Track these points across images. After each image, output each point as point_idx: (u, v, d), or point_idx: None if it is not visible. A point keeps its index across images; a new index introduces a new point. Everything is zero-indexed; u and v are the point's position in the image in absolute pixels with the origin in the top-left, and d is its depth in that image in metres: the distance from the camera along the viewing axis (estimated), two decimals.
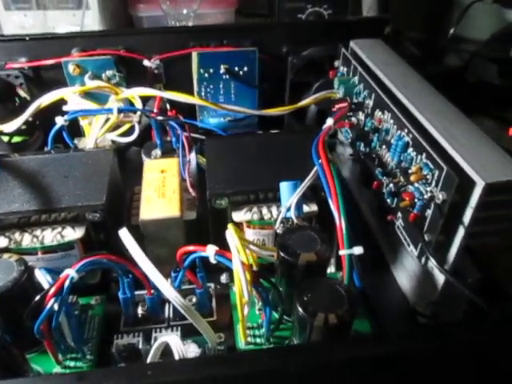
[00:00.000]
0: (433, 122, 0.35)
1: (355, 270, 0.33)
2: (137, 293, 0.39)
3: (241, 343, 0.36)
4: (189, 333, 0.36)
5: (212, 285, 0.42)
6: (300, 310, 0.30)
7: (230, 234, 0.33)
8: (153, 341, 0.34)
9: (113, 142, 0.52)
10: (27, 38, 0.52)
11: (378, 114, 0.42)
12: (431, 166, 0.33)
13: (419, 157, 0.35)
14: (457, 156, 0.32)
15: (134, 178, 0.51)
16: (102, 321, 0.38)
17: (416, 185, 0.35)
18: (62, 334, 0.34)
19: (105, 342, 0.37)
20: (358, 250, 0.33)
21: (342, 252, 0.33)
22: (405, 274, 0.42)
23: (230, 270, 0.42)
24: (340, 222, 0.33)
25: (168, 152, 0.50)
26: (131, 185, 0.49)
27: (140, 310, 0.39)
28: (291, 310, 0.36)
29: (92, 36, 0.54)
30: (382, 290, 0.44)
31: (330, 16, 0.75)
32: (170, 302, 0.40)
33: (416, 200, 0.35)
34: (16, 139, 0.59)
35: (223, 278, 0.43)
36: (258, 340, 0.37)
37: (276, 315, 0.37)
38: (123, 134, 0.51)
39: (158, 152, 0.50)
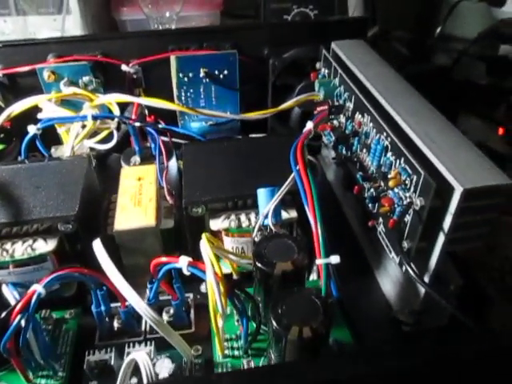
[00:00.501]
0: (412, 125, 0.34)
1: (332, 279, 0.32)
2: (113, 305, 0.38)
3: (218, 356, 0.35)
4: (166, 346, 0.35)
5: (191, 295, 0.40)
6: (274, 322, 0.29)
7: (204, 243, 0.32)
8: (125, 356, 0.33)
9: (91, 149, 0.51)
10: (1, 45, 0.50)
11: (357, 116, 0.41)
12: (409, 170, 0.32)
13: (398, 161, 0.34)
14: (435, 160, 0.31)
15: (114, 185, 0.50)
16: (76, 335, 0.37)
17: (395, 190, 0.34)
18: (30, 351, 0.33)
19: (78, 357, 0.36)
20: (334, 259, 0.31)
21: (319, 261, 0.32)
22: (388, 281, 0.41)
23: None
24: (316, 229, 0.32)
25: (147, 158, 0.49)
26: (111, 193, 0.48)
27: (116, 323, 0.38)
28: (260, 322, 0.35)
29: (68, 41, 0.52)
30: (365, 296, 0.43)
31: (317, 17, 0.74)
32: None
33: (395, 205, 0.34)
34: None
35: (203, 288, 0.42)
36: (235, 352, 0.35)
37: (254, 326, 0.36)
38: (102, 141, 0.50)
39: (137, 159, 0.49)
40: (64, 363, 0.35)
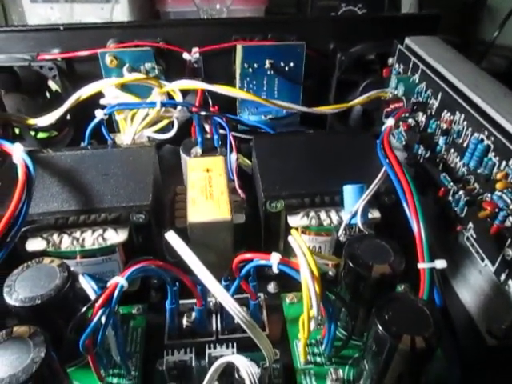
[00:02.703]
0: None
1: (436, 286, 0.29)
2: (181, 302, 0.36)
3: (299, 362, 0.33)
4: (241, 348, 0.33)
5: (261, 295, 0.38)
6: (381, 329, 0.26)
7: (296, 239, 0.30)
8: (207, 358, 0.31)
9: (148, 138, 0.49)
10: (61, 28, 0.49)
11: (446, 115, 0.38)
12: None
13: (504, 162, 0.32)
14: None
15: (170, 177, 0.48)
16: (145, 332, 0.35)
17: (498, 193, 0.32)
18: (106, 348, 0.31)
19: (147, 355, 0.34)
20: (440, 264, 0.29)
21: (423, 265, 0.29)
22: (469, 291, 0.39)
23: (278, 279, 0.40)
24: (419, 230, 0.30)
25: (208, 150, 0.47)
26: (167, 185, 0.46)
27: (185, 322, 0.35)
28: (355, 327, 0.33)
29: (129, 27, 0.51)
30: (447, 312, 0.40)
31: (365, 15, 0.72)
32: (217, 314, 0.36)
33: (497, 210, 0.32)
34: (41, 135, 0.56)
35: (271, 288, 0.40)
36: (318, 359, 0.33)
37: (338, 333, 0.34)
38: (159, 131, 0.48)
39: (198, 150, 0.47)
40: (136, 362, 0.33)
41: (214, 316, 0.36)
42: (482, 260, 0.35)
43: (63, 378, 0.28)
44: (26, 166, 0.33)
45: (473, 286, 0.38)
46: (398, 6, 0.75)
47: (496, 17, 0.81)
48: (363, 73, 0.53)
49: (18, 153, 0.35)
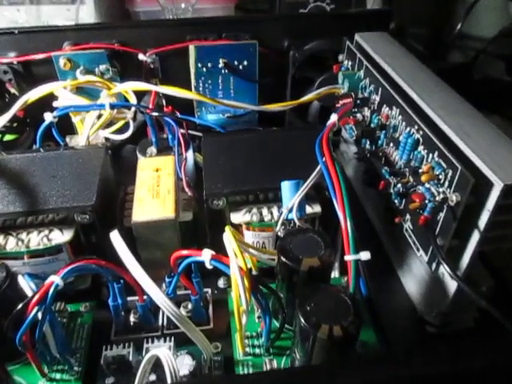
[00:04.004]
0: (445, 119, 0.33)
1: (361, 277, 0.30)
2: (129, 299, 0.37)
3: (238, 354, 0.34)
4: (184, 342, 0.34)
5: (209, 290, 0.39)
6: (302, 320, 0.27)
7: (227, 236, 0.31)
8: (144, 352, 0.32)
9: (106, 139, 0.50)
10: (16, 32, 0.49)
11: (385, 109, 0.39)
12: (444, 165, 0.31)
13: (430, 155, 0.33)
14: (472, 155, 0.30)
15: (129, 177, 0.49)
16: (91, 329, 0.36)
17: (427, 185, 0.33)
18: (46, 344, 0.32)
19: (94, 352, 0.35)
20: (364, 256, 0.30)
21: (348, 257, 0.30)
22: (413, 280, 0.40)
23: (228, 275, 0.41)
24: (345, 224, 0.31)
25: (164, 150, 0.48)
26: (126, 184, 0.47)
27: (132, 318, 0.36)
28: (293, 318, 0.34)
29: (84, 29, 0.51)
30: (388, 296, 0.41)
31: (333, 11, 0.73)
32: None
33: (427, 201, 0.33)
34: (8, 137, 0.57)
35: (221, 283, 0.41)
36: (256, 350, 0.34)
37: (276, 324, 0.35)
38: (117, 132, 0.49)
39: (153, 150, 0.47)
40: (80, 358, 0.34)
41: (160, 312, 0.37)
42: (418, 250, 0.36)
43: (2, 375, 0.29)
44: None
45: (415, 275, 0.39)
46: (365, 1, 0.76)
47: (465, 8, 0.82)
48: (319, 69, 0.54)
49: None
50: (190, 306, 0.37)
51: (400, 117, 0.37)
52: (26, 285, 0.31)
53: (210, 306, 0.38)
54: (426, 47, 0.90)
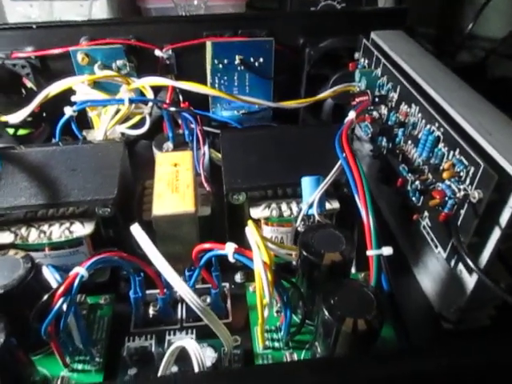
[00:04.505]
0: (466, 116, 0.33)
1: (384, 272, 0.31)
2: (148, 292, 0.37)
3: (258, 347, 0.34)
4: (203, 335, 0.34)
5: (227, 284, 0.40)
6: (326, 313, 0.28)
7: (251, 230, 0.31)
8: (166, 344, 0.32)
9: (122, 134, 0.50)
10: (34, 27, 0.50)
11: (403, 107, 0.40)
12: (466, 162, 0.31)
13: (451, 152, 0.33)
14: (494, 152, 0.30)
15: (144, 172, 0.49)
16: (111, 321, 0.36)
17: (447, 182, 0.33)
18: (69, 335, 0.32)
19: (114, 344, 0.35)
20: (387, 251, 0.30)
21: (370, 252, 0.31)
22: (429, 277, 0.40)
23: (245, 269, 0.41)
24: (368, 219, 0.31)
25: (180, 145, 0.48)
26: (141, 179, 0.47)
27: (151, 311, 0.37)
28: (312, 312, 0.34)
29: (101, 24, 0.51)
30: (403, 293, 0.41)
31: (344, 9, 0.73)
32: (182, 303, 0.38)
33: (446, 198, 0.33)
34: (22, 132, 0.57)
35: (238, 277, 0.41)
36: (276, 344, 0.34)
37: (295, 318, 0.35)
38: (133, 127, 0.49)
39: (169, 145, 0.48)
40: (100, 349, 0.34)
41: (179, 305, 0.38)
42: (436, 247, 0.36)
43: (26, 365, 0.30)
44: None
45: (431, 272, 0.40)
46: (376, 0, 0.76)
47: (475, 8, 0.82)
48: (333, 67, 0.54)
49: None
50: (208, 300, 0.37)
51: (419, 114, 0.37)
52: (50, 276, 0.31)
53: (228, 300, 0.38)
54: (435, 46, 0.90)
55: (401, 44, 0.45)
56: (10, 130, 0.54)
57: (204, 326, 0.35)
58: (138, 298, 0.35)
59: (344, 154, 0.35)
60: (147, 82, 0.45)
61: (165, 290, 0.35)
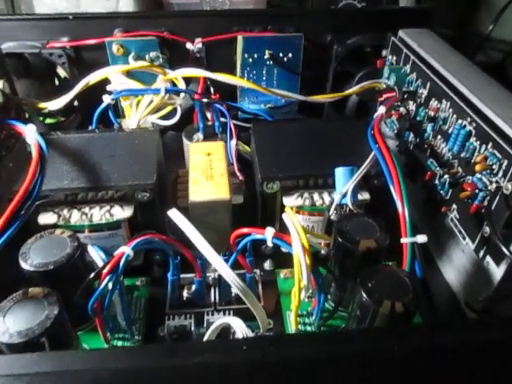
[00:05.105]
0: (497, 112, 0.34)
1: (417, 259, 0.32)
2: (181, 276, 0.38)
3: (291, 330, 0.35)
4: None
5: (257, 271, 0.41)
6: (364, 296, 0.29)
7: (290, 216, 0.32)
8: (205, 324, 0.34)
9: (152, 124, 0.51)
10: (71, 17, 0.51)
11: (433, 103, 0.41)
12: (499, 155, 0.32)
13: (484, 146, 0.34)
14: None
15: (172, 161, 0.50)
16: (148, 302, 0.38)
17: (478, 175, 0.34)
18: (112, 314, 0.33)
19: (150, 324, 0.36)
20: (421, 239, 0.32)
21: (405, 240, 0.32)
22: (453, 269, 0.41)
23: (273, 257, 0.42)
24: (403, 208, 0.32)
25: (209, 136, 0.49)
26: (169, 169, 0.49)
27: (185, 294, 0.38)
28: (343, 299, 0.35)
29: (135, 17, 0.53)
30: (428, 284, 0.43)
31: (364, 8, 0.74)
32: (215, 287, 0.39)
33: (477, 191, 0.34)
34: (49, 121, 0.58)
35: (267, 265, 0.42)
36: (308, 328, 0.36)
37: (328, 305, 0.36)
38: (163, 117, 0.51)
39: (199, 136, 0.49)
40: (139, 328, 0.35)
41: (212, 289, 0.39)
42: (464, 239, 0.38)
43: (73, 338, 0.31)
44: (39, 146, 0.35)
45: (456, 264, 0.41)
46: (397, 0, 0.77)
47: (491, 10, 0.83)
48: (359, 64, 0.55)
49: (31, 133, 0.37)
50: None
51: (450, 110, 0.38)
52: (96, 255, 0.32)
53: (259, 286, 0.39)
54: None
55: (429, 42, 0.47)
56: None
57: (236, 310, 0.37)
58: (175, 280, 0.36)
59: (377, 146, 0.36)
60: (182, 73, 0.46)
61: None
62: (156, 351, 0.21)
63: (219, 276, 0.39)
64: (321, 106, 0.57)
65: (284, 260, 0.42)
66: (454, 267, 0.41)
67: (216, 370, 0.19)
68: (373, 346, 0.22)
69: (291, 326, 0.35)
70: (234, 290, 0.38)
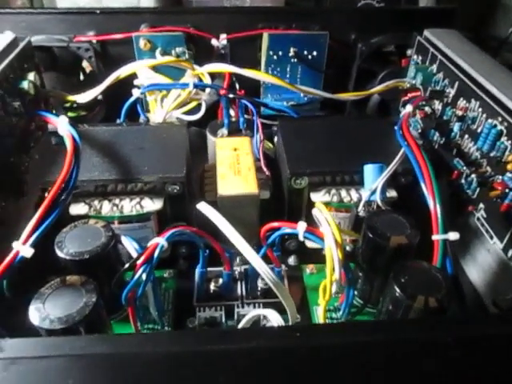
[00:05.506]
0: None
1: (449, 256, 0.32)
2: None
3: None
4: None
5: (283, 266, 0.41)
6: (398, 290, 0.29)
7: (322, 210, 0.32)
8: (236, 316, 0.34)
9: (177, 119, 0.51)
10: (98, 12, 0.51)
11: (461, 102, 0.41)
12: None
13: None
14: None
15: (195, 157, 0.51)
16: (176, 294, 0.38)
17: (509, 174, 0.34)
18: (143, 304, 0.34)
19: (178, 315, 0.37)
20: (453, 236, 0.32)
21: (436, 237, 0.32)
22: (477, 268, 0.41)
23: (297, 253, 0.43)
24: (435, 205, 0.33)
25: (234, 132, 0.50)
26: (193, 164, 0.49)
27: (212, 286, 0.38)
28: (371, 295, 0.35)
29: (161, 12, 0.53)
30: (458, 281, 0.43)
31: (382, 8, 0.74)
32: (241, 280, 0.39)
33: (507, 190, 0.34)
34: (70, 114, 0.59)
35: (291, 260, 0.42)
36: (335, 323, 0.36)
37: (354, 301, 0.37)
38: (186, 113, 0.51)
39: (224, 131, 0.49)
40: (168, 319, 0.36)
41: (238, 283, 0.39)
42: (491, 238, 0.38)
43: (107, 326, 0.31)
44: (73, 137, 0.36)
45: (480, 264, 0.41)
46: (415, 0, 0.77)
47: (508, 13, 0.83)
48: (382, 63, 0.55)
49: (63, 125, 0.38)
50: None
51: (480, 109, 0.38)
52: (129, 245, 0.33)
53: (285, 280, 0.40)
54: None
55: (455, 42, 0.47)
56: None
57: (263, 304, 0.37)
58: (204, 272, 0.37)
59: (406, 143, 0.37)
60: (212, 68, 0.47)
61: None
62: (212, 335, 0.21)
63: (245, 270, 0.40)
64: (342, 104, 0.57)
65: (306, 256, 0.42)
66: (479, 266, 0.41)
67: (272, 355, 0.19)
68: (427, 334, 0.22)
69: (319, 321, 0.36)
70: (261, 284, 0.39)
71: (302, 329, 0.24)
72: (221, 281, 0.38)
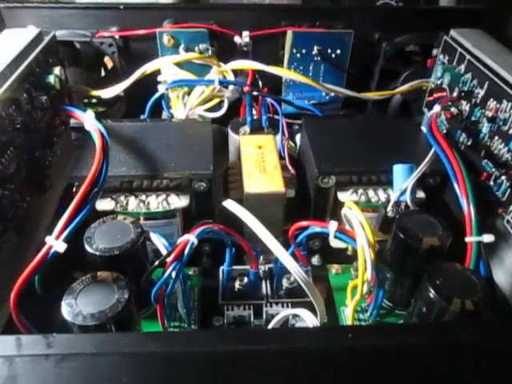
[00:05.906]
0: None
1: (483, 259, 0.32)
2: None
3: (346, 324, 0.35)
4: None
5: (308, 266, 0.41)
6: (433, 292, 0.29)
7: (354, 210, 0.32)
8: (264, 315, 0.34)
9: (199, 116, 0.51)
10: (121, 7, 0.51)
11: (491, 103, 0.40)
12: None
13: None
14: None
15: (217, 154, 0.50)
16: (201, 292, 0.38)
17: None
18: (170, 302, 0.33)
19: (204, 313, 0.36)
20: (488, 238, 0.31)
21: (470, 239, 0.31)
22: (504, 272, 0.41)
23: (321, 252, 0.42)
24: (469, 207, 0.32)
25: (256, 130, 0.49)
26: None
27: (237, 285, 0.38)
28: (400, 296, 0.35)
29: (184, 9, 0.53)
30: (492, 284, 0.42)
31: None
32: (266, 279, 0.39)
33: None
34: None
35: (315, 260, 0.42)
36: (362, 324, 0.36)
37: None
38: (208, 110, 0.51)
39: (246, 129, 0.49)
40: (194, 317, 0.35)
41: (263, 282, 0.39)
42: None
43: (137, 323, 0.31)
44: (101, 132, 0.36)
45: (508, 267, 0.40)
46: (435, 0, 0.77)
47: None
48: (405, 63, 0.55)
49: (90, 120, 0.38)
50: (292, 278, 0.38)
51: None
52: (159, 242, 0.33)
53: (310, 280, 0.39)
54: None
55: (483, 42, 0.46)
56: None
57: (288, 304, 0.37)
58: (230, 270, 0.36)
59: (437, 143, 0.36)
60: (238, 65, 0.46)
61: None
62: (260, 335, 0.21)
63: (269, 268, 0.40)
64: (364, 103, 0.56)
65: (330, 255, 0.42)
66: (506, 269, 0.41)
67: (322, 355, 0.19)
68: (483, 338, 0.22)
69: (346, 322, 0.35)
70: (286, 283, 0.38)
71: (352, 330, 0.24)
72: (246, 279, 0.38)
